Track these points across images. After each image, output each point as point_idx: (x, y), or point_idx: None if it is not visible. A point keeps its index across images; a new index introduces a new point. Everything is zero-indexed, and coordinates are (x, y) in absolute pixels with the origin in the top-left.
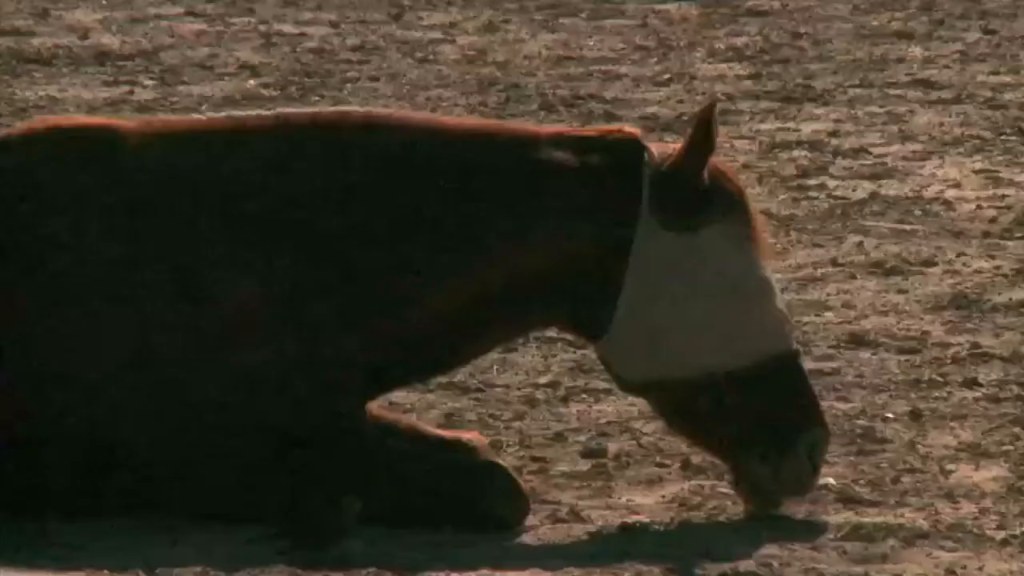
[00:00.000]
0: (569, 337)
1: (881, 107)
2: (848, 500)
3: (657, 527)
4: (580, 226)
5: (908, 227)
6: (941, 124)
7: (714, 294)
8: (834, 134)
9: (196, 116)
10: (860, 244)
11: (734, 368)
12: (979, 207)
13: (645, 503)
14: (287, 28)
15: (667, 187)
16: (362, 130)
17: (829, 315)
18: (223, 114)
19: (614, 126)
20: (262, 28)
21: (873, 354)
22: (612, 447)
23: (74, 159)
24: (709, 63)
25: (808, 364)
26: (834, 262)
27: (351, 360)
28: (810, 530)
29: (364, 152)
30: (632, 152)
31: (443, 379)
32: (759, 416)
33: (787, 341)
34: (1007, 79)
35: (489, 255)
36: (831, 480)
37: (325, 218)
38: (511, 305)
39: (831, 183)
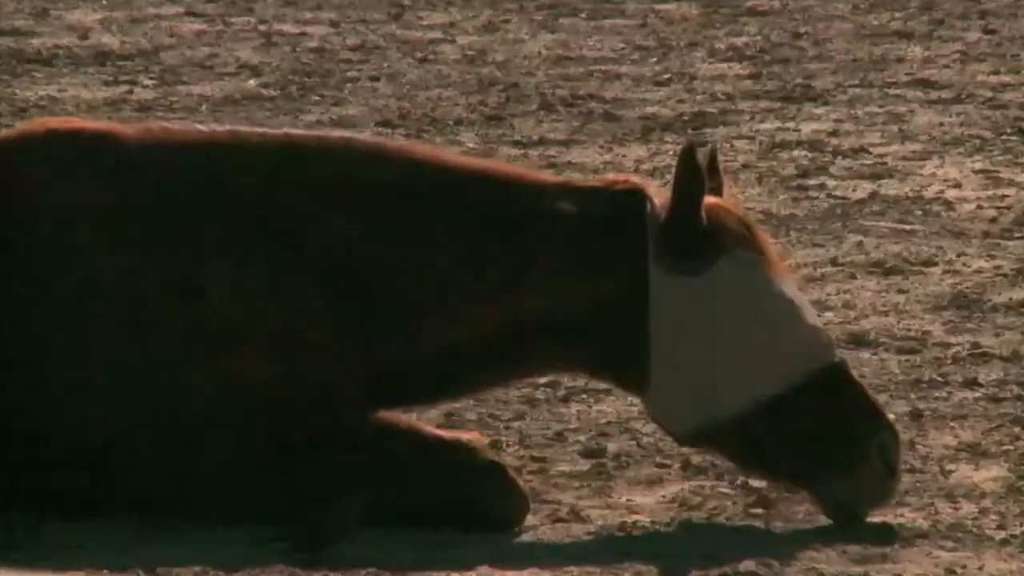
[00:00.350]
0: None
1: (881, 107)
2: None
3: (657, 527)
4: (582, 275)
5: (908, 227)
6: (941, 124)
7: (739, 326)
8: (834, 134)
9: (198, 127)
10: (860, 244)
11: (779, 392)
12: (979, 207)
13: (645, 503)
14: (287, 28)
15: (668, 236)
16: (369, 158)
17: (829, 315)
18: (226, 128)
19: (620, 176)
20: (262, 28)
21: (873, 354)
22: (612, 447)
23: (71, 163)
24: (709, 63)
25: None
26: (834, 262)
27: (350, 374)
28: (810, 530)
29: (371, 179)
30: (635, 203)
31: None
32: (821, 433)
33: (826, 353)
34: (1007, 79)
35: (486, 298)
36: None
37: (327, 231)
38: (515, 347)
39: (831, 183)
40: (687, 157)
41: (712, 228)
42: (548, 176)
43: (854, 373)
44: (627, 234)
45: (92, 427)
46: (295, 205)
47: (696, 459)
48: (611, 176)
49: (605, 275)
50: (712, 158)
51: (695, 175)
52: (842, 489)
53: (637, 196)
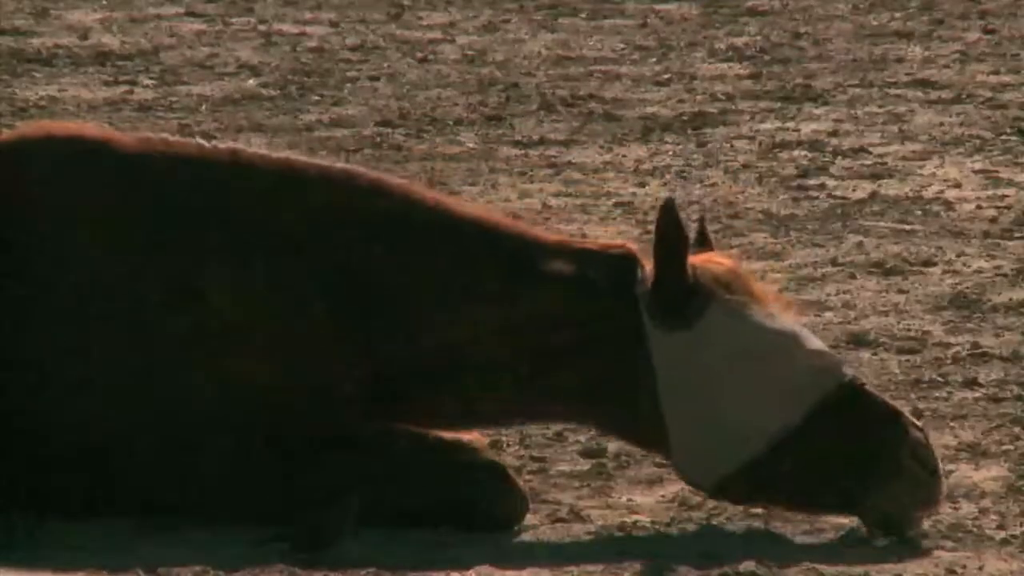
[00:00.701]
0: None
1: (881, 107)
2: None
3: (657, 527)
4: (581, 338)
5: (908, 227)
6: (941, 124)
7: (738, 370)
8: (834, 134)
9: (197, 142)
10: (860, 244)
11: (793, 425)
12: (979, 207)
13: (645, 503)
14: (287, 28)
15: (657, 294)
16: (369, 193)
17: (829, 315)
18: (226, 146)
19: (616, 242)
20: (262, 28)
21: (873, 354)
22: (612, 447)
23: (71, 164)
24: (709, 63)
25: None
26: (834, 262)
27: (349, 375)
28: (809, 530)
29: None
30: (628, 267)
31: None
32: (849, 453)
33: (833, 375)
34: (1007, 79)
35: (475, 344)
36: None
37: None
38: (526, 408)
39: (831, 183)
40: (668, 212)
41: (699, 279)
42: (546, 234)
43: (868, 386)
44: (623, 297)
45: (92, 427)
46: (294, 215)
47: None
48: (604, 241)
49: (605, 338)
50: (701, 227)
51: (677, 230)
52: (887, 503)
53: (630, 261)
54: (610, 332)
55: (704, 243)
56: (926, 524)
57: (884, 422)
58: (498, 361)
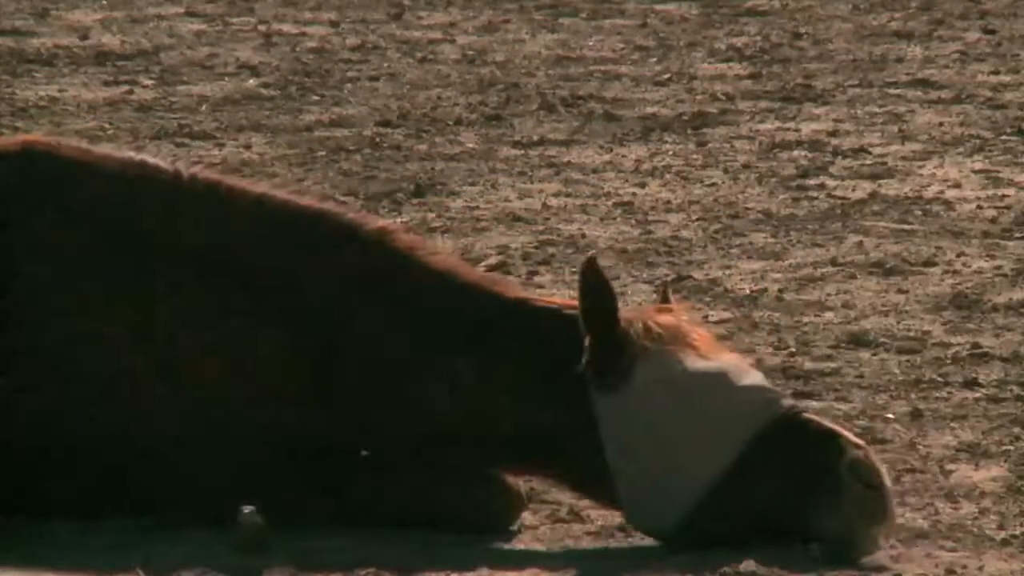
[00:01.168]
0: None
1: (881, 107)
2: None
3: None
4: (532, 396)
5: (908, 227)
6: (941, 124)
7: (675, 420)
8: (834, 134)
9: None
10: (860, 244)
11: (731, 462)
12: (979, 207)
13: None
14: (287, 28)
15: (590, 356)
16: (344, 241)
17: (829, 315)
18: (216, 177)
19: (572, 301)
20: (262, 28)
21: (873, 354)
22: None
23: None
24: (709, 63)
25: (808, 364)
26: (834, 262)
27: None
28: None
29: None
30: (578, 327)
31: None
32: (791, 481)
33: (770, 408)
34: (1007, 79)
35: (435, 397)
36: None
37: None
38: (480, 455)
39: (831, 183)
40: (589, 274)
41: (630, 336)
42: (510, 289)
43: (807, 414)
44: (573, 357)
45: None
46: (269, 255)
47: None
48: (565, 300)
49: (555, 397)
50: (663, 293)
51: (600, 291)
52: (835, 526)
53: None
54: (561, 395)
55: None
56: (926, 524)
57: (820, 445)
58: (453, 426)
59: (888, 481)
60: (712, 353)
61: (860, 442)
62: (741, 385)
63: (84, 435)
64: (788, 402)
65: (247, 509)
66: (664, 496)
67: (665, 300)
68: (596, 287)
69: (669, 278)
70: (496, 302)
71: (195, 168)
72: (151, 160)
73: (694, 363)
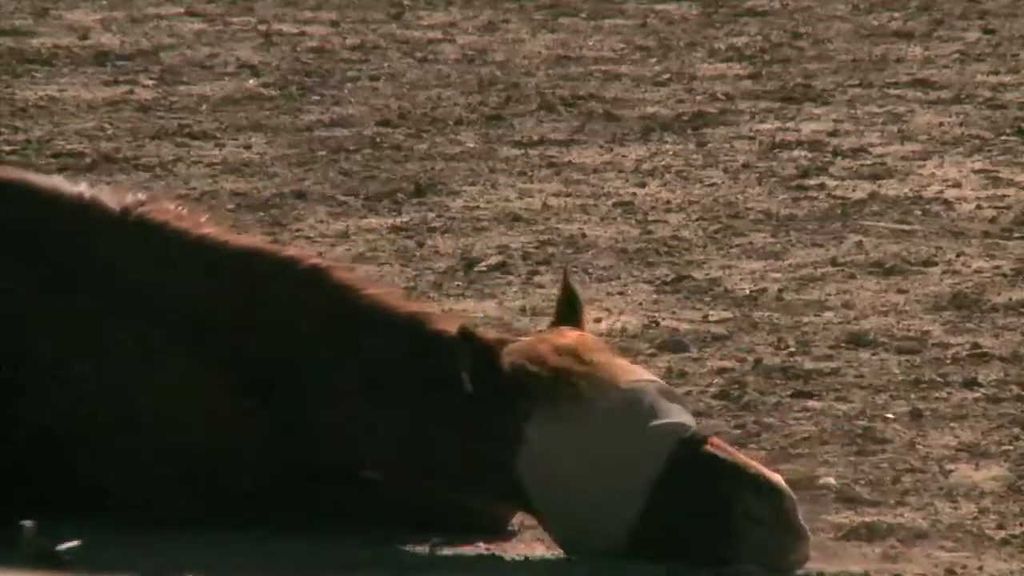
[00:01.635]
0: None
1: (881, 107)
2: (848, 500)
3: None
4: (456, 431)
5: (908, 227)
6: (941, 124)
7: (580, 466)
8: (834, 134)
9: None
10: (860, 244)
11: (642, 508)
12: (979, 207)
13: None
14: (287, 28)
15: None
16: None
17: (829, 315)
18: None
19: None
20: (262, 28)
21: (873, 354)
22: None
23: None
24: (709, 63)
25: (808, 364)
26: (834, 262)
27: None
28: (810, 530)
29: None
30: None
31: None
32: (702, 527)
33: (676, 434)
34: (1007, 79)
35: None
36: (831, 480)
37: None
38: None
39: (831, 183)
40: (465, 339)
41: (520, 387)
42: (443, 322)
43: (709, 443)
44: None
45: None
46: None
47: None
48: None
49: (479, 431)
50: (570, 295)
51: (482, 363)
52: (750, 568)
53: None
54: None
55: (573, 314)
56: (926, 524)
57: (716, 491)
58: (399, 455)
59: (789, 496)
60: (609, 375)
61: (758, 469)
62: (645, 413)
63: (19, 485)
64: (692, 425)
65: (28, 524)
66: (594, 538)
67: (566, 292)
68: (472, 352)
69: (570, 267)
70: (432, 335)
71: (143, 207)
72: (100, 196)
73: (594, 403)
